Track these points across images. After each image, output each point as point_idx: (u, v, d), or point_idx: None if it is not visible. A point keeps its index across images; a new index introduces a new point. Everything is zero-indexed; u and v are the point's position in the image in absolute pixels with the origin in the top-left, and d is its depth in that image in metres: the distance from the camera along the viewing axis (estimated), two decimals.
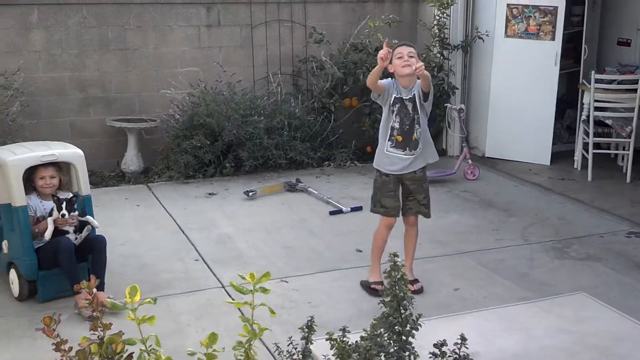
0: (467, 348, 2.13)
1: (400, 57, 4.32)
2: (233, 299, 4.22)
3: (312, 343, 2.18)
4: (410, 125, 4.41)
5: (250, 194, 6.40)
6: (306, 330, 2.18)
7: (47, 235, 4.21)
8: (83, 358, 1.82)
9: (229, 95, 7.06)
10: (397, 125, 4.41)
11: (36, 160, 4.31)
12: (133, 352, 1.98)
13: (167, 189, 6.71)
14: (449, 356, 2.09)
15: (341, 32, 7.84)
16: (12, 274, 4.32)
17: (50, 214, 4.26)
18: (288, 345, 2.24)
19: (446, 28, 7.77)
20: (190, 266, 4.90)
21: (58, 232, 4.26)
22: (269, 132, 7.12)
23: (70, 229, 4.30)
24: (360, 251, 5.13)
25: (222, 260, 4.98)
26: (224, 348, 2.19)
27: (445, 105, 7.59)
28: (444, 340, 2.09)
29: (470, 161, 7.11)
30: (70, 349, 1.96)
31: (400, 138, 4.42)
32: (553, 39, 7.33)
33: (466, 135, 7.36)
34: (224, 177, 7.03)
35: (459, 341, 2.09)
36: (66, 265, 4.15)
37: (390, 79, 4.47)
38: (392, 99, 4.39)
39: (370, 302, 4.33)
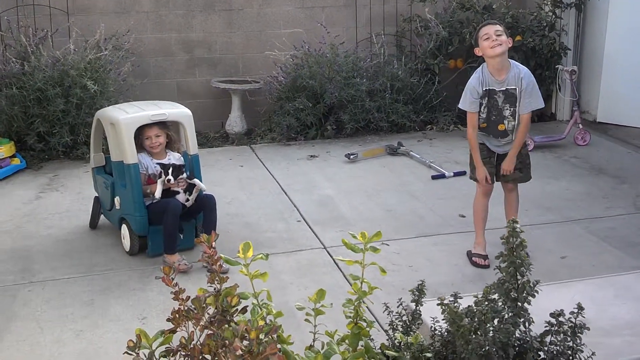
0: (583, 317, 2.07)
1: (487, 38, 4.09)
2: (334, 259, 4.29)
3: (422, 305, 2.18)
4: (498, 115, 4.22)
5: (352, 156, 6.41)
6: (417, 293, 2.17)
7: (157, 194, 4.34)
8: (198, 305, 1.88)
9: (332, 57, 7.05)
10: (483, 115, 4.24)
11: (147, 119, 4.40)
12: (247, 306, 2.04)
13: (269, 151, 6.83)
14: (565, 324, 2.03)
15: None
16: (124, 229, 4.47)
17: (161, 175, 4.36)
18: (398, 306, 2.25)
19: None
20: (292, 226, 4.99)
21: (169, 192, 4.40)
22: (371, 95, 7.07)
23: (180, 190, 4.43)
24: (464, 216, 5.05)
25: (323, 222, 5.04)
26: (332, 304, 2.21)
27: (556, 66, 7.26)
28: (561, 310, 2.03)
29: (580, 126, 6.81)
30: (188, 298, 2.01)
31: (484, 125, 4.27)
32: None
33: (577, 99, 7.02)
34: (325, 139, 7.08)
35: (576, 310, 2.03)
36: (169, 227, 4.27)
37: (475, 72, 4.26)
38: (482, 92, 4.19)
39: (472, 268, 4.28)
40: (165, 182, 4.32)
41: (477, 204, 4.46)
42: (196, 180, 4.50)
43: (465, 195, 5.45)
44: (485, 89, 4.18)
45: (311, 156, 6.60)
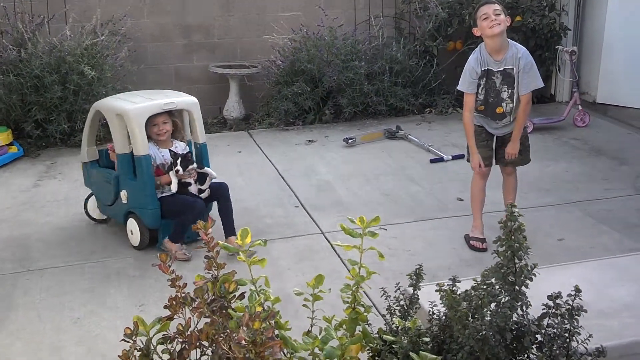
0: (580, 299, 2.07)
1: (486, 18, 4.05)
2: (332, 245, 4.29)
3: (419, 289, 2.18)
4: (496, 97, 4.20)
5: (350, 141, 6.39)
6: (414, 277, 2.17)
7: (174, 188, 4.23)
8: (201, 295, 1.88)
9: (330, 40, 7.01)
10: (480, 96, 4.22)
11: (158, 109, 4.29)
12: (245, 292, 2.04)
13: (267, 136, 6.81)
14: (562, 307, 2.04)
15: None
16: (131, 224, 4.35)
17: (171, 167, 4.26)
18: (396, 291, 2.25)
19: None
20: (290, 212, 4.99)
21: (180, 183, 4.28)
22: (370, 78, 7.04)
23: (192, 180, 4.34)
24: (462, 200, 5.05)
25: (321, 207, 5.04)
26: (330, 289, 2.21)
27: (556, 47, 7.22)
28: (558, 292, 2.03)
29: (580, 107, 6.79)
30: (185, 285, 2.01)
31: (482, 108, 4.25)
32: None
33: (577, 80, 6.99)
34: (323, 124, 7.06)
35: (573, 292, 2.03)
36: (188, 223, 4.10)
37: (473, 53, 4.23)
38: (480, 72, 4.16)
39: (470, 251, 4.28)
40: (174, 172, 4.23)
41: (474, 186, 4.45)
42: (208, 169, 4.44)
43: (463, 179, 5.45)
44: (484, 69, 4.16)
45: (309, 141, 6.58)
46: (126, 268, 4.16)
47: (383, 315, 2.32)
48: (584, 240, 4.37)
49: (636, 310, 3.02)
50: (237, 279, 2.04)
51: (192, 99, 4.51)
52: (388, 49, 7.26)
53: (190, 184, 4.33)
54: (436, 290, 2.07)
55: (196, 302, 1.82)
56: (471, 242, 4.35)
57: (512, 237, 1.94)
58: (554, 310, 2.03)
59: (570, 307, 2.06)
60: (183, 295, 1.97)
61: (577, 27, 7.53)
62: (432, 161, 5.93)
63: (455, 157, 5.94)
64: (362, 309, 2.06)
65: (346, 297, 2.08)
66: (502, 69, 4.14)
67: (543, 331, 2.07)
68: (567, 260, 4.01)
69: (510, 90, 4.16)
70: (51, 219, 4.90)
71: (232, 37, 7.44)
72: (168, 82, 7.20)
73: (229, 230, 4.36)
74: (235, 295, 1.94)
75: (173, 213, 4.27)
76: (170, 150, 4.34)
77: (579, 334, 2.13)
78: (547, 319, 2.08)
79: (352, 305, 2.04)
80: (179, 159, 4.24)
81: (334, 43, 6.98)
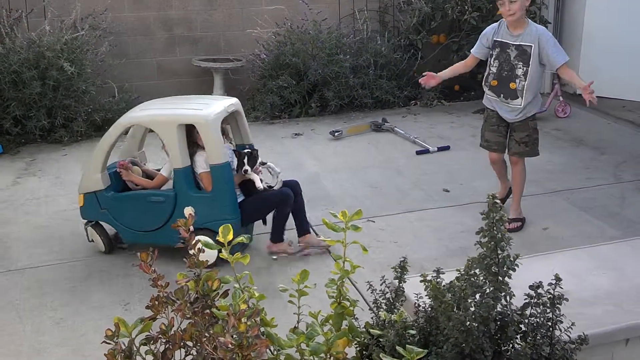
0: (561, 288, 2.10)
1: (502, 4, 4.14)
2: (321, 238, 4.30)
3: (405, 282, 2.21)
4: (510, 71, 4.23)
5: (336, 134, 6.41)
6: (399, 270, 2.19)
7: (260, 185, 4.07)
8: (181, 296, 1.84)
9: (315, 33, 7.01)
10: (494, 69, 4.28)
11: (225, 113, 4.07)
12: (228, 289, 2.02)
13: (253, 130, 6.68)
14: (543, 296, 2.07)
15: None
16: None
17: (238, 169, 4.07)
18: (381, 284, 2.27)
19: None
20: None
21: (247, 182, 4.12)
22: (355, 71, 7.06)
23: (259, 178, 4.17)
24: (448, 191, 5.08)
25: (309, 200, 5.01)
26: (315, 284, 2.21)
27: None
28: (539, 282, 2.06)
29: (561, 98, 6.86)
30: (167, 284, 1.96)
31: (495, 83, 4.29)
32: None
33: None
34: (309, 117, 7.07)
35: (554, 281, 2.07)
36: (285, 216, 4.08)
37: (494, 23, 4.34)
38: (492, 42, 4.26)
39: (457, 242, 4.32)
40: (242, 172, 4.06)
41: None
42: (270, 164, 4.28)
43: (449, 170, 5.50)
44: (497, 40, 4.25)
45: (296, 134, 6.59)
46: (110, 267, 4.11)
47: (371, 309, 2.33)
48: (567, 229, 4.43)
49: (617, 298, 3.06)
50: (220, 277, 1.99)
51: (237, 100, 4.33)
52: (372, 43, 7.27)
53: (254, 182, 4.14)
54: (420, 281, 2.09)
55: (177, 304, 1.79)
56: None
57: (494, 229, 1.97)
58: (536, 300, 2.06)
59: (551, 295, 2.09)
60: (165, 294, 1.91)
61: (557, 20, 7.60)
62: (418, 153, 5.96)
63: (440, 149, 5.99)
64: (348, 304, 2.07)
65: (331, 291, 2.09)
66: (519, 44, 4.19)
67: (526, 320, 2.10)
68: (551, 249, 4.06)
69: (525, 68, 4.19)
70: (31, 218, 4.83)
71: (215, 31, 7.42)
72: (151, 75, 7.18)
73: (303, 227, 4.21)
74: (218, 293, 1.93)
75: (261, 213, 4.15)
76: (234, 151, 4.17)
77: (562, 322, 2.16)
78: (530, 308, 2.11)
79: (338, 299, 2.05)
80: (245, 158, 4.06)
81: (319, 37, 6.98)
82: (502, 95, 4.30)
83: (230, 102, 4.21)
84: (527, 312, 2.10)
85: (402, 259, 2.24)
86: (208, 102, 4.24)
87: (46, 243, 4.43)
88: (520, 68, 4.20)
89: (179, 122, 3.94)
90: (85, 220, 4.23)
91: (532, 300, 2.06)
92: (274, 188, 4.19)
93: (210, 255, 3.62)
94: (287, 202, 4.08)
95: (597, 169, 5.49)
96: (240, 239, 2.14)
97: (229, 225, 2.10)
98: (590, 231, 4.39)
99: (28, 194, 5.28)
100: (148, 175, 4.31)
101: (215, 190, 3.94)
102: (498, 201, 2.00)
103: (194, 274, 1.92)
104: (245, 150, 4.15)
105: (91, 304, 3.69)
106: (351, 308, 2.06)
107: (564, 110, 6.84)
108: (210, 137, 3.90)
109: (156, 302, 1.81)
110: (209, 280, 1.84)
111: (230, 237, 2.03)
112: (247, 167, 4.04)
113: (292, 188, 4.20)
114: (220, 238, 2.09)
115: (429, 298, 2.05)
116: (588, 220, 4.56)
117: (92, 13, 6.76)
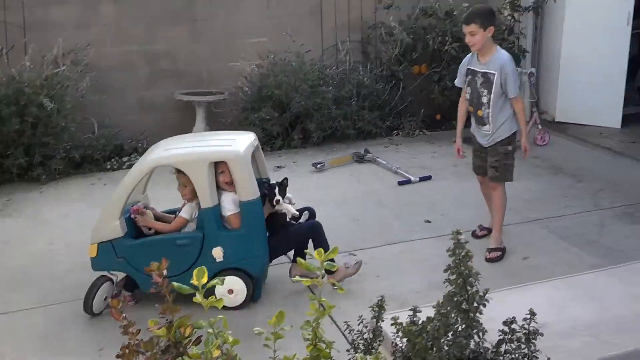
0: (536, 323, 2.12)
1: (465, 36, 4.31)
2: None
3: (382, 321, 2.21)
4: (477, 99, 4.37)
5: (319, 166, 6.45)
6: (376, 309, 2.20)
7: (295, 213, 4.06)
8: (150, 348, 1.80)
9: (298, 65, 7.07)
10: (467, 96, 4.45)
11: (252, 147, 4.04)
12: (201, 336, 1.96)
13: None
14: (518, 332, 2.09)
15: None
16: (232, 282, 3.83)
17: (272, 199, 4.01)
18: (358, 324, 2.27)
19: None
20: None
21: (279, 214, 4.07)
22: (337, 102, 7.13)
23: (288, 209, 4.12)
24: (429, 222, 5.12)
25: None
26: (291, 326, 2.17)
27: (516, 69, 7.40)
28: (513, 317, 2.09)
29: (540, 126, 6.95)
30: (138, 331, 1.90)
31: (471, 108, 4.46)
32: None
33: (536, 100, 7.16)
34: (291, 149, 7.10)
35: (528, 316, 2.09)
36: (326, 242, 4.03)
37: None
38: (465, 70, 4.42)
39: (439, 274, 4.22)
40: (274, 203, 4.00)
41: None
42: (289, 195, 4.22)
43: (431, 200, 5.54)
44: (469, 68, 4.39)
45: (278, 167, 6.60)
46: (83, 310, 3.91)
47: (347, 350, 2.32)
48: (547, 258, 4.47)
49: (596, 328, 3.08)
50: (193, 322, 1.94)
51: (254, 134, 4.28)
52: (355, 74, 7.37)
53: (284, 213, 4.09)
54: (392, 324, 2.10)
55: (146, 355, 1.77)
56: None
57: (461, 265, 1.99)
58: (510, 336, 2.09)
59: (526, 331, 2.12)
60: (136, 342, 1.86)
61: (535, 50, 7.76)
62: (400, 183, 6.01)
63: (422, 179, 6.04)
64: (324, 346, 2.07)
65: (307, 334, 2.07)
66: (484, 71, 4.30)
67: (501, 358, 2.13)
68: (532, 279, 4.09)
69: (489, 96, 4.29)
70: (3, 260, 4.69)
71: (198, 65, 7.46)
72: (132, 110, 7.17)
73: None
74: (191, 340, 1.87)
75: (293, 246, 4.12)
76: (262, 180, 4.16)
77: (537, 358, 2.18)
78: (504, 344, 2.13)
79: (313, 342, 2.05)
80: (276, 189, 4.02)
81: (302, 68, 7.05)
82: (474, 121, 4.47)
83: (252, 137, 4.17)
84: (502, 348, 2.13)
85: (379, 298, 2.26)
86: (232, 137, 4.18)
87: (20, 286, 4.28)
88: (485, 96, 4.32)
89: (210, 159, 3.84)
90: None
91: (507, 337, 2.08)
92: (301, 220, 4.17)
93: (237, 299, 3.79)
94: (317, 232, 4.08)
95: (575, 196, 5.56)
96: (215, 282, 2.11)
97: (203, 267, 2.08)
98: (571, 259, 4.43)
99: (3, 236, 5.11)
100: (159, 219, 4.16)
101: (246, 227, 3.85)
102: (462, 237, 2.03)
103: (166, 320, 1.89)
104: (278, 182, 4.09)
105: (65, 350, 3.58)
106: (327, 350, 2.05)
107: (543, 138, 6.93)
108: (242, 172, 3.81)
109: (127, 351, 1.78)
110: (182, 327, 1.82)
111: (205, 279, 2.02)
112: (278, 196, 3.99)
113: (312, 216, 4.27)
114: (194, 281, 2.05)
115: (405, 340, 2.06)
116: (567, 249, 4.60)
117: (75, 48, 6.75)
